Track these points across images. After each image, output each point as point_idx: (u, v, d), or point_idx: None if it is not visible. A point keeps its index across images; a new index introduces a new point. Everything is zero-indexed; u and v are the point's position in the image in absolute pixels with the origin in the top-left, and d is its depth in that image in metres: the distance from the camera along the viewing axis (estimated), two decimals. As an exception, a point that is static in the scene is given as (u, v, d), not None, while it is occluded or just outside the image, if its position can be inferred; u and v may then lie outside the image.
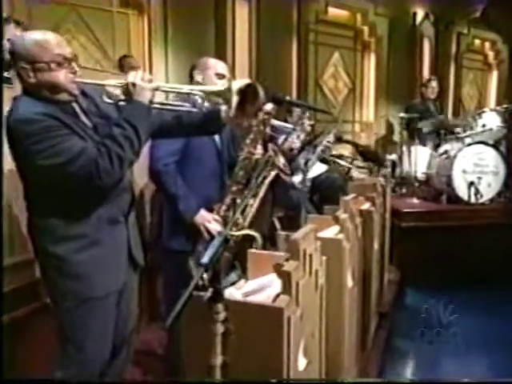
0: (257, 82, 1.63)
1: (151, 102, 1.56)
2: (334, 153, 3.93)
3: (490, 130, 4.58)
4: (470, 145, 4.47)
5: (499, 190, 4.54)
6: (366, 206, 2.83)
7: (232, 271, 1.76)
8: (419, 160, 4.72)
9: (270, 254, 1.67)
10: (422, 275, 3.98)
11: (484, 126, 4.59)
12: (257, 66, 5.03)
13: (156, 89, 1.57)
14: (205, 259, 1.12)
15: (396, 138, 6.15)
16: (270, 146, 2.09)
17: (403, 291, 3.98)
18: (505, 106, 4.70)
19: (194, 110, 1.61)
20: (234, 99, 1.58)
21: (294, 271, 1.25)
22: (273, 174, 2.04)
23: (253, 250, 1.69)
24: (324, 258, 1.64)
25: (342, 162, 3.72)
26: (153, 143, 2.02)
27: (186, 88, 1.58)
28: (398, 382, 2.65)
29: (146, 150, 2.02)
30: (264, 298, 1.34)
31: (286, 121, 3.97)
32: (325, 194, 3.96)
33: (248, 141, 2.11)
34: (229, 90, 1.56)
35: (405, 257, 4.15)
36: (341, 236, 1.98)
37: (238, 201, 2.07)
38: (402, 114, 4.88)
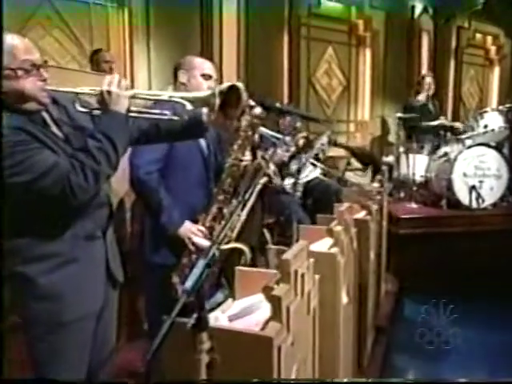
0: (240, 84, 1.61)
1: (128, 110, 1.53)
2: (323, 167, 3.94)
3: (492, 131, 4.62)
4: (470, 147, 4.49)
5: (502, 194, 4.57)
6: (362, 214, 2.83)
7: (218, 290, 1.74)
8: (417, 162, 4.73)
9: (258, 272, 1.65)
10: (421, 285, 3.98)
11: (486, 126, 4.62)
12: (245, 63, 5.01)
13: (133, 96, 1.54)
14: (188, 285, 1.10)
15: (392, 138, 6.17)
16: (260, 152, 2.08)
17: (401, 302, 3.98)
18: (507, 105, 4.71)
19: (175, 117, 1.58)
20: (216, 102, 1.57)
21: (284, 296, 1.22)
22: (262, 182, 2.02)
23: (240, 268, 1.67)
24: (317, 276, 1.62)
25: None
26: (133, 150, 2.00)
27: (165, 95, 1.55)
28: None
29: (126, 156, 2.00)
30: (253, 323, 1.31)
31: (277, 124, 3.97)
32: (318, 199, 3.96)
33: (236, 146, 2.10)
34: (213, 95, 1.54)
35: (403, 265, 4.15)
36: (335, 250, 1.96)
37: (225, 210, 2.05)
38: (399, 114, 4.89)
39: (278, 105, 1.78)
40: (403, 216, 4.31)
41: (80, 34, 4.19)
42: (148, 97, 1.60)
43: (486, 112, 4.71)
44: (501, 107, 4.76)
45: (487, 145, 4.53)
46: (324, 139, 3.94)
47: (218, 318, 1.38)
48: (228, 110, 1.63)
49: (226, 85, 1.60)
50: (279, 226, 4.12)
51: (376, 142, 6.53)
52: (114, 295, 1.80)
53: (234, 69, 4.87)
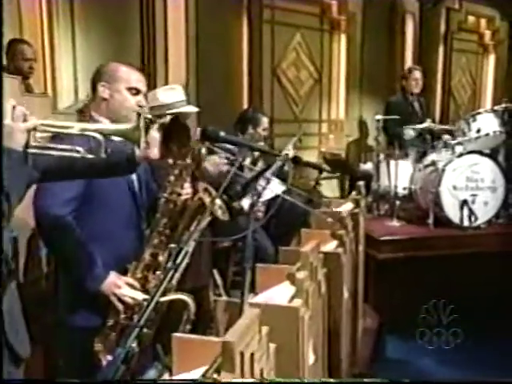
0: (184, 117, 1.55)
1: (27, 145, 1.43)
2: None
3: (486, 135, 4.65)
4: (461, 155, 4.52)
5: (497, 209, 4.61)
6: (333, 245, 2.79)
7: (152, 364, 1.67)
8: (400, 172, 4.74)
9: (201, 340, 1.58)
10: (406, 319, 3.98)
11: (479, 130, 4.64)
12: (196, 53, 4.92)
13: (33, 129, 1.44)
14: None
15: (372, 141, 6.20)
16: (201, 184, 2.02)
17: (383, 340, 3.98)
18: (503, 105, 4.75)
19: (90, 156, 1.48)
20: (156, 136, 1.49)
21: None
22: (206, 222, 1.95)
23: (179, 335, 1.60)
24: (273, 346, 1.56)
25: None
26: (39, 187, 1.88)
27: (76, 127, 1.46)
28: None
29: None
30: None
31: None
32: (282, 221, 3.90)
33: (172, 178, 2.03)
34: (136, 128, 1.46)
35: (383, 296, 4.16)
36: (297, 303, 1.91)
37: (161, 258, 1.98)
38: (378, 117, 4.89)
39: (222, 134, 1.71)
40: (383, 238, 4.30)
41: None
42: (53, 129, 1.49)
43: (478, 114, 4.73)
44: (496, 107, 4.79)
45: (480, 152, 4.57)
46: (289, 148, 3.90)
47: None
48: (171, 147, 1.56)
49: (166, 118, 1.54)
50: (236, 253, 4.06)
51: (353, 145, 6.55)
52: (18, 372, 1.70)
53: (182, 60, 4.78)
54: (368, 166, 5.38)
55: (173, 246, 1.99)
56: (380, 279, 4.19)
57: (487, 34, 8.22)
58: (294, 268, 2.08)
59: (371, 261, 4.09)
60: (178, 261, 1.38)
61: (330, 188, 6.01)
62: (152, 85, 4.42)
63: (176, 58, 4.71)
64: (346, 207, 3.43)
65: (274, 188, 3.85)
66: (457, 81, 7.95)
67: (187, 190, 2.10)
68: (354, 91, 6.60)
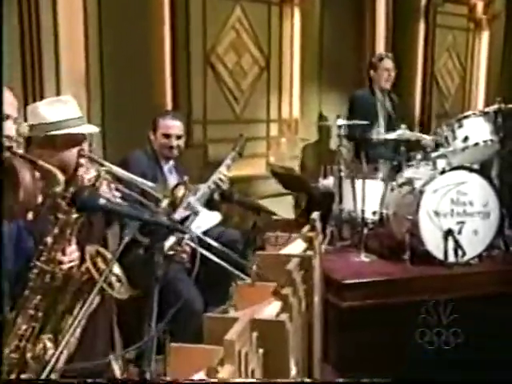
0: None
1: None
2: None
3: (475, 145, 4.67)
4: (444, 171, 4.53)
5: (490, 240, 4.63)
6: (275, 307, 2.71)
7: None
8: (369, 193, 4.72)
9: None
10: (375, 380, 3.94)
11: (466, 139, 4.66)
12: (99, 37, 4.78)
13: None
14: None
15: (334, 145, 6.18)
16: (88, 248, 1.91)
17: (347, 413, 3.95)
18: (496, 105, 4.78)
19: None
20: None
21: None
22: (95, 303, 1.86)
23: None
24: None
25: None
26: None
27: None
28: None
29: None
30: None
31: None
32: (212, 270, 3.81)
33: (49, 240, 1.90)
34: None
35: (348, 354, 4.13)
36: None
37: (29, 355, 1.85)
38: (340, 121, 4.84)
39: (101, 202, 1.59)
40: (348, 281, 4.26)
41: None
42: None
43: (465, 118, 4.73)
44: (487, 109, 4.82)
45: (468, 168, 4.58)
46: (223, 170, 3.83)
47: None
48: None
49: None
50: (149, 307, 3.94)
51: (310, 151, 6.54)
52: None
53: (79, 44, 4.64)
54: (329, 181, 5.35)
55: (46, 337, 1.87)
56: (343, 333, 4.17)
57: (479, 5, 8.36)
58: (215, 360, 1.98)
59: (332, 310, 4.07)
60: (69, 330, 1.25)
61: (282, 207, 5.96)
62: (37, 79, 4.25)
63: (71, 45, 4.55)
64: (296, 248, 3.36)
65: (202, 223, 3.77)
66: (441, 65, 8.03)
67: (71, 256, 1.99)
68: (311, 83, 6.61)
